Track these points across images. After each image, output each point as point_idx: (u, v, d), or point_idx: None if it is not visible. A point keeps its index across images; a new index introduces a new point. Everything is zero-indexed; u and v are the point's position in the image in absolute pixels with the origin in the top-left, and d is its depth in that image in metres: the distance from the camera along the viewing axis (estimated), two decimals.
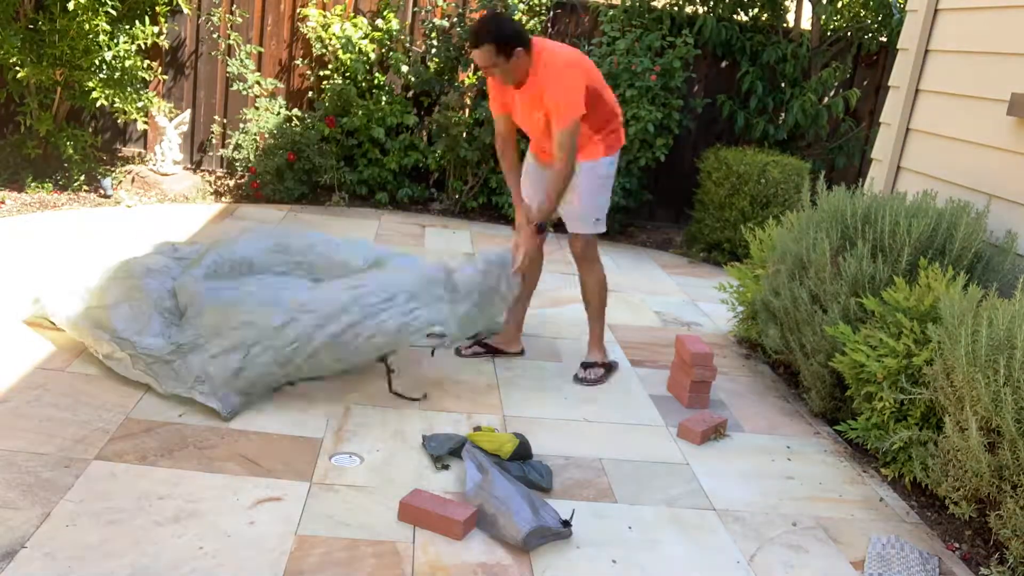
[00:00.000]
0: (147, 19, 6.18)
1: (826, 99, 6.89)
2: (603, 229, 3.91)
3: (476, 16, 6.75)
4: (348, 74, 6.78)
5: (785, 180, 6.07)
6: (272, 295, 3.52)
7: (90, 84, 5.81)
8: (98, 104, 5.93)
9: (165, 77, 6.84)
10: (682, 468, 3.26)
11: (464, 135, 6.69)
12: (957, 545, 2.93)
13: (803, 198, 4.18)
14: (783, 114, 6.90)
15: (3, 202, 5.61)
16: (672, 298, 5.44)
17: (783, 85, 6.92)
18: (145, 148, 6.96)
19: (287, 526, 2.59)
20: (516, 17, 6.83)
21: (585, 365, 3.99)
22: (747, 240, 4.79)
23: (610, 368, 4.05)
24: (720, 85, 7.08)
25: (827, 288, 3.66)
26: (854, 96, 6.75)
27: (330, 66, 6.80)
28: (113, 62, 5.89)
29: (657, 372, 4.14)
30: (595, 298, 4.00)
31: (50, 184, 6.03)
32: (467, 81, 6.82)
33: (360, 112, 6.63)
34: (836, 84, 6.99)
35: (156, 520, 2.53)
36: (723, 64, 7.10)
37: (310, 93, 7.00)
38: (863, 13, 6.95)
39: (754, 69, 6.80)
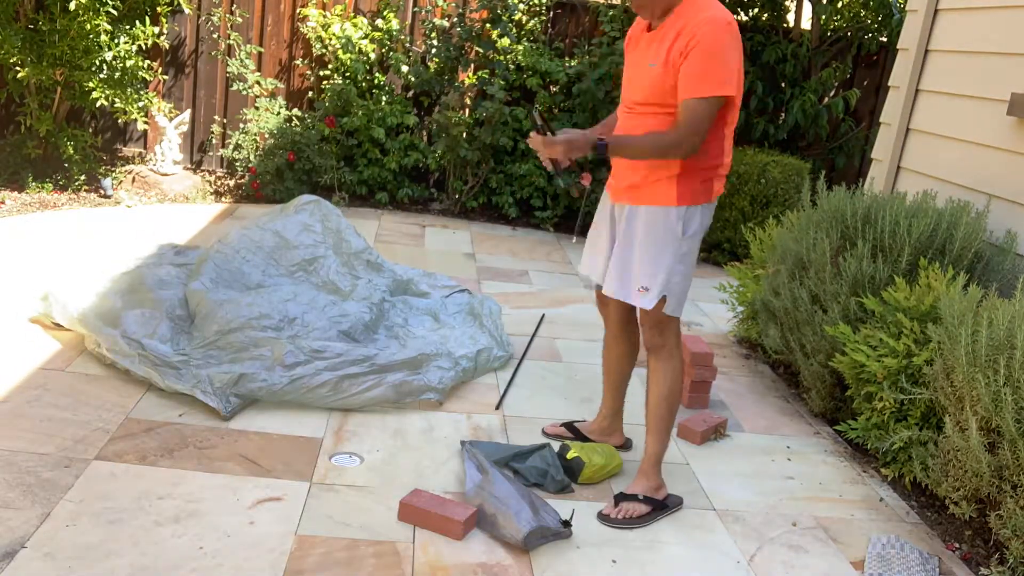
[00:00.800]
0: (147, 19, 6.18)
1: (826, 99, 6.90)
2: (650, 305, 2.78)
3: (476, 16, 6.76)
4: (348, 74, 6.79)
5: (785, 180, 6.08)
6: (281, 308, 3.64)
7: (90, 84, 5.81)
8: (98, 104, 5.93)
9: (165, 77, 6.84)
10: (682, 468, 3.26)
11: (464, 135, 6.69)
12: (957, 545, 2.93)
13: (803, 198, 4.18)
14: (783, 114, 6.90)
15: (3, 202, 5.62)
16: None
17: (783, 85, 6.92)
18: (145, 148, 6.96)
19: (287, 526, 2.59)
20: (516, 17, 6.84)
21: (623, 498, 2.88)
22: (747, 240, 4.79)
23: (664, 507, 2.91)
24: None
25: (827, 288, 3.66)
26: (854, 96, 6.75)
27: (330, 66, 6.80)
28: (113, 62, 5.89)
29: None
30: (665, 401, 2.90)
31: (50, 184, 6.03)
32: (467, 81, 6.82)
33: (360, 112, 6.63)
34: (836, 84, 6.99)
35: (156, 520, 2.54)
36: None
37: (310, 93, 7.00)
38: (863, 13, 6.95)
39: (754, 69, 6.79)
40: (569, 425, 3.37)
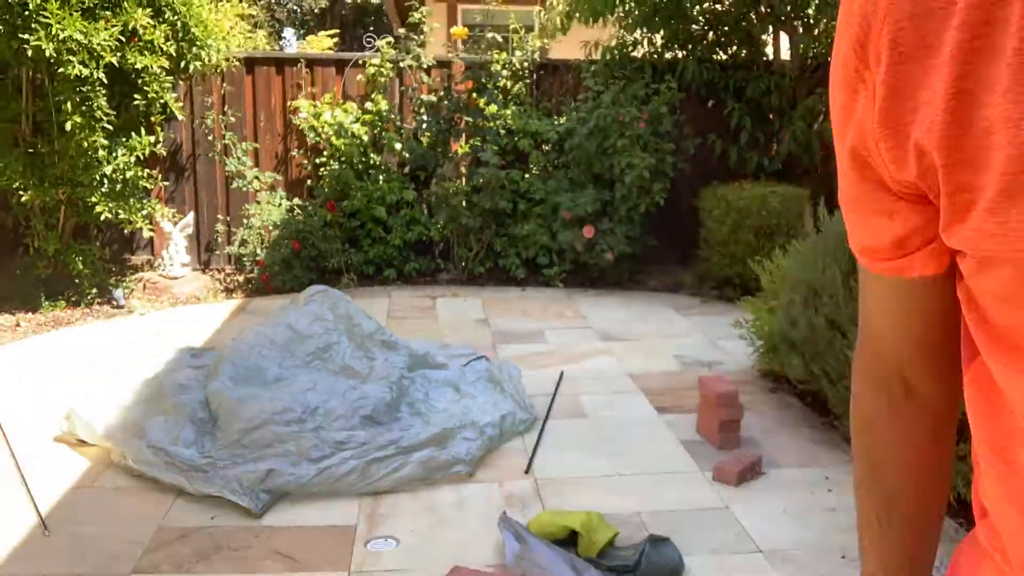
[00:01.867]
0: (143, 129, 6.32)
1: (815, 125, 6.95)
2: None
3: (462, 87, 6.89)
4: (344, 158, 6.90)
5: (786, 209, 6.09)
6: (302, 400, 3.64)
7: (93, 199, 5.92)
8: (102, 218, 6.02)
9: (166, 183, 6.97)
10: (723, 512, 3.20)
11: (463, 203, 6.77)
12: None
13: (806, 225, 4.19)
14: (775, 145, 6.95)
15: (18, 325, 5.67)
16: (689, 339, 5.41)
17: (771, 117, 6.98)
18: (153, 254, 7.05)
19: None
20: (501, 83, 6.96)
21: None
22: (756, 273, 4.79)
23: None
24: (709, 124, 7.15)
25: (843, 312, 3.64)
26: None
27: (325, 152, 6.92)
28: (113, 175, 6.00)
29: (684, 417, 4.10)
30: None
31: (63, 301, 6.10)
32: (460, 151, 6.91)
33: (359, 193, 6.73)
34: (823, 109, 7.05)
35: None
36: (709, 104, 7.18)
37: (308, 181, 7.11)
38: None
39: (740, 105, 6.87)
40: None
